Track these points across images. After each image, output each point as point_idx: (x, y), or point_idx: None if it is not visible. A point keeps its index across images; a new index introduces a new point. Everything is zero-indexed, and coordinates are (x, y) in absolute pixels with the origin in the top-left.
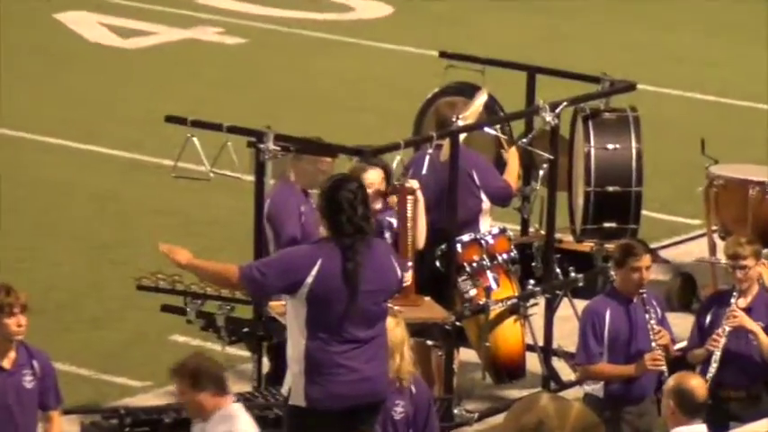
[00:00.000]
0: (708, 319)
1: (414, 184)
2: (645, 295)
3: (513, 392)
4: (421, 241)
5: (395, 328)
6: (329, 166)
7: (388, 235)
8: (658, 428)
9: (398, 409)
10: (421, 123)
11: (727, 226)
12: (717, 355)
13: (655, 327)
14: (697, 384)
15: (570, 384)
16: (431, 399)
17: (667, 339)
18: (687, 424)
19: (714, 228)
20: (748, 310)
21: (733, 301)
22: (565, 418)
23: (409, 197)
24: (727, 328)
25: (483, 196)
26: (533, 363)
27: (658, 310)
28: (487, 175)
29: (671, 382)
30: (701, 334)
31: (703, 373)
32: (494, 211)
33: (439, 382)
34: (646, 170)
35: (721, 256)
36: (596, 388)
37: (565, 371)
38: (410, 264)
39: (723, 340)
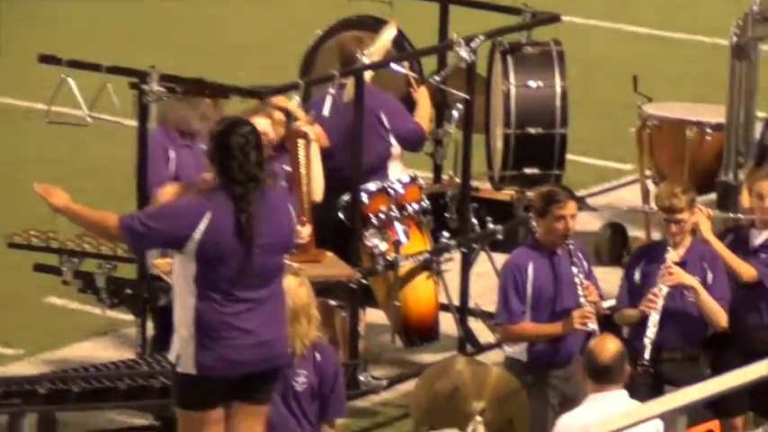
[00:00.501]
0: (637, 274)
1: (305, 126)
2: (571, 247)
3: (426, 356)
4: (318, 190)
5: (298, 289)
6: (210, 108)
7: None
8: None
9: (300, 380)
10: (311, 62)
11: (662, 171)
12: (655, 317)
13: (583, 281)
14: (605, 347)
15: (489, 347)
16: (338, 367)
17: (596, 295)
18: (599, 390)
19: (647, 173)
20: (683, 264)
21: (667, 256)
22: (483, 384)
23: (300, 141)
24: (665, 288)
25: (392, 140)
26: (448, 323)
27: (585, 264)
28: (397, 117)
29: None
30: (631, 291)
31: (636, 336)
32: (404, 156)
33: (344, 347)
34: (571, 110)
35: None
36: (518, 350)
37: (483, 332)
38: (304, 218)
39: (661, 301)
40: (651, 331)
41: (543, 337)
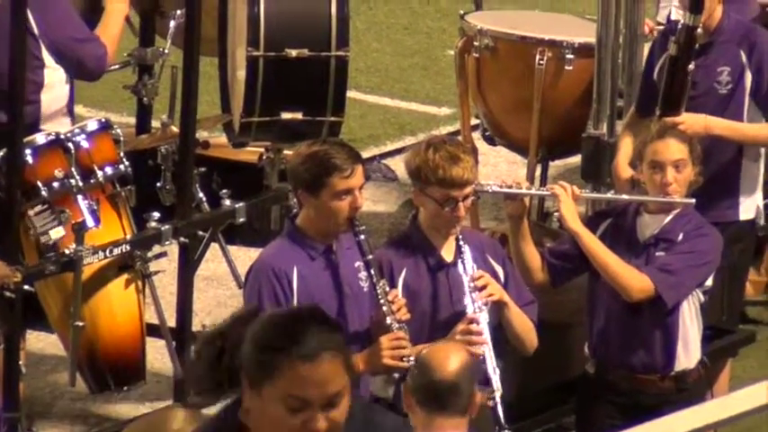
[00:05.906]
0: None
1: None
2: (361, 237)
3: (125, 407)
4: None
5: None
6: None
7: None
8: None
9: None
10: None
11: (496, 118)
12: (488, 352)
13: (385, 288)
14: (446, 357)
15: None
16: None
17: (404, 308)
18: (431, 426)
19: (474, 120)
20: (455, 263)
21: (463, 260)
22: None
23: None
24: (485, 311)
25: (44, 57)
26: (159, 356)
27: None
28: (58, 24)
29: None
30: None
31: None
32: (81, 90)
33: None
34: (354, 21)
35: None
36: None
37: None
38: None
39: (487, 331)
40: (492, 366)
41: None
